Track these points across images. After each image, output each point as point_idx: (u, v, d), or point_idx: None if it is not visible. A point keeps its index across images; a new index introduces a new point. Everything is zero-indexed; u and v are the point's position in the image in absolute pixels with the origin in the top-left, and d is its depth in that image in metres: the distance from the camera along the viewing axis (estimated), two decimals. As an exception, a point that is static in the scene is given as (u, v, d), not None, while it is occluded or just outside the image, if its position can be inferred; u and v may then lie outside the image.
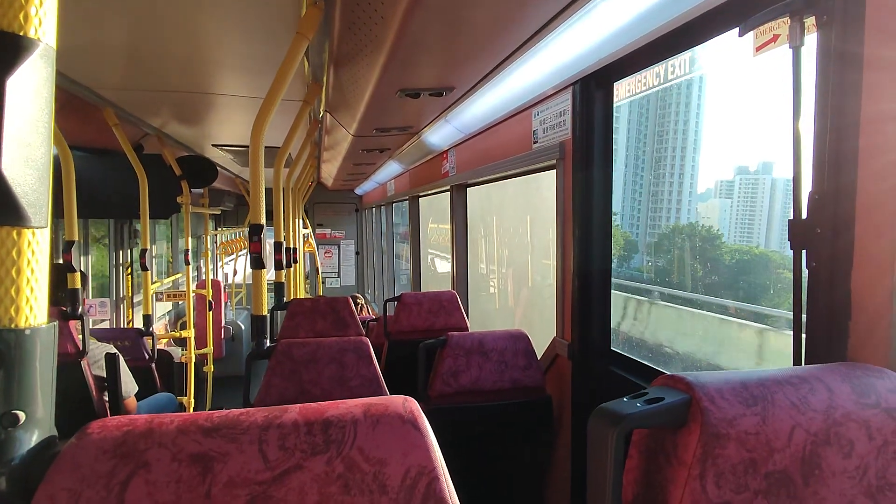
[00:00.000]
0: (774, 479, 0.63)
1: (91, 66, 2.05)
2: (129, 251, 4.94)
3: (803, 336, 0.96)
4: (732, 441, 0.61)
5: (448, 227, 3.44)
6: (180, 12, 1.60)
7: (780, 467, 0.62)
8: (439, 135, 2.87)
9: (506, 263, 5.10)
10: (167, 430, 0.59)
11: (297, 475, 0.58)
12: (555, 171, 1.93)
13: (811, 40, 0.95)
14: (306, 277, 7.35)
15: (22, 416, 0.54)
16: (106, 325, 4.58)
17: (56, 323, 0.58)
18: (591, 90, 1.72)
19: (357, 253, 8.70)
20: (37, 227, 0.54)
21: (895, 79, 0.80)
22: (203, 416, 0.61)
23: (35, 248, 0.55)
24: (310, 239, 7.20)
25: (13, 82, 0.50)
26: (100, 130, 2.72)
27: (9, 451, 0.54)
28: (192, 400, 4.05)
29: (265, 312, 1.64)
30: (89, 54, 1.92)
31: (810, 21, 0.93)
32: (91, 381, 2.14)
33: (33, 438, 0.56)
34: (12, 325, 0.53)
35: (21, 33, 0.51)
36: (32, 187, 0.53)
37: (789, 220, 0.97)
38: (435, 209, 5.20)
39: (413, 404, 0.65)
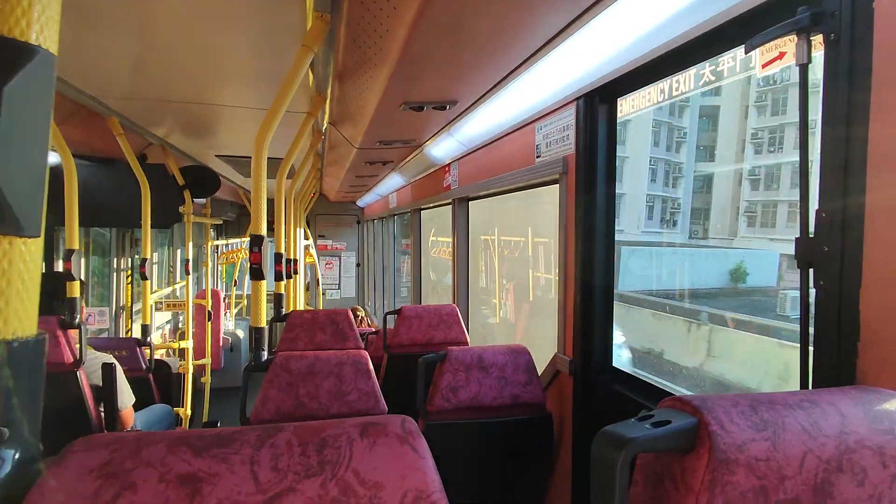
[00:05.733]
0: None
1: (98, 75, 2.06)
2: (129, 259, 4.93)
3: (811, 356, 0.94)
4: (742, 467, 0.59)
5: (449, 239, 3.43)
6: (187, 24, 1.61)
7: (792, 496, 0.60)
8: (442, 148, 2.88)
9: (506, 276, 5.08)
10: (156, 449, 0.57)
11: (289, 498, 0.57)
12: (557, 185, 1.92)
13: (818, 58, 0.95)
14: (307, 289, 7.33)
15: (5, 432, 0.52)
16: (105, 334, 4.56)
17: (46, 335, 0.56)
18: (595, 105, 1.71)
19: (358, 265, 8.68)
20: (29, 237, 0.53)
21: None
22: (195, 434, 0.59)
23: (27, 258, 0.53)
24: (310, 250, 7.19)
25: (11, 89, 0.49)
26: (104, 139, 2.73)
27: None
28: (190, 412, 4.01)
29: (264, 324, 1.63)
30: (96, 64, 1.93)
31: (817, 39, 0.93)
32: (87, 391, 2.12)
33: (15, 456, 0.54)
34: None
35: (22, 39, 0.50)
36: (26, 196, 0.52)
37: (796, 238, 0.96)
38: (437, 221, 5.21)
39: (412, 424, 0.64)
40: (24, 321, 0.53)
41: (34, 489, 0.54)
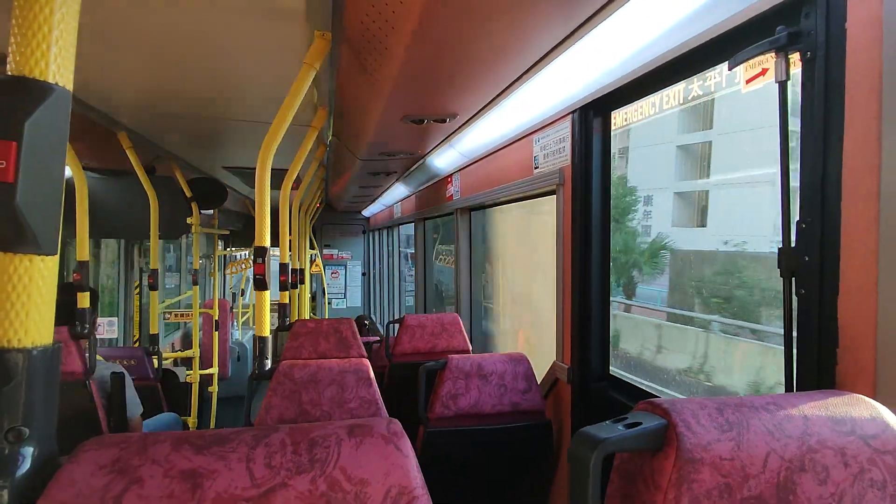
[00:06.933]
0: None
1: (108, 91, 2.13)
2: (138, 270, 5.00)
3: (794, 362, 0.97)
4: (707, 466, 0.63)
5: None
6: (196, 41, 1.67)
7: (756, 493, 0.63)
8: (444, 159, 2.93)
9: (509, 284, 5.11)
10: (161, 448, 0.62)
11: (281, 493, 0.61)
12: (555, 195, 1.96)
13: (797, 74, 0.98)
14: (312, 298, 7.36)
15: (25, 432, 0.57)
16: (113, 343, 4.62)
17: (61, 344, 0.61)
18: (590, 118, 1.76)
19: (364, 274, 8.73)
20: (47, 255, 0.59)
21: (874, 111, 0.83)
22: (195, 435, 0.64)
23: (45, 274, 0.59)
24: (317, 260, 7.24)
25: (31, 124, 0.55)
26: (113, 153, 2.80)
27: (11, 466, 0.57)
28: (196, 420, 4.05)
29: (267, 334, 1.67)
30: (107, 81, 1.99)
31: (795, 57, 0.97)
32: (98, 400, 2.16)
33: (35, 454, 0.59)
34: (20, 346, 0.57)
35: (41, 79, 0.56)
36: (45, 219, 0.58)
37: (779, 248, 0.99)
38: (442, 231, 5.25)
39: (396, 425, 0.68)
40: (43, 331, 0.59)
41: (52, 483, 0.58)
